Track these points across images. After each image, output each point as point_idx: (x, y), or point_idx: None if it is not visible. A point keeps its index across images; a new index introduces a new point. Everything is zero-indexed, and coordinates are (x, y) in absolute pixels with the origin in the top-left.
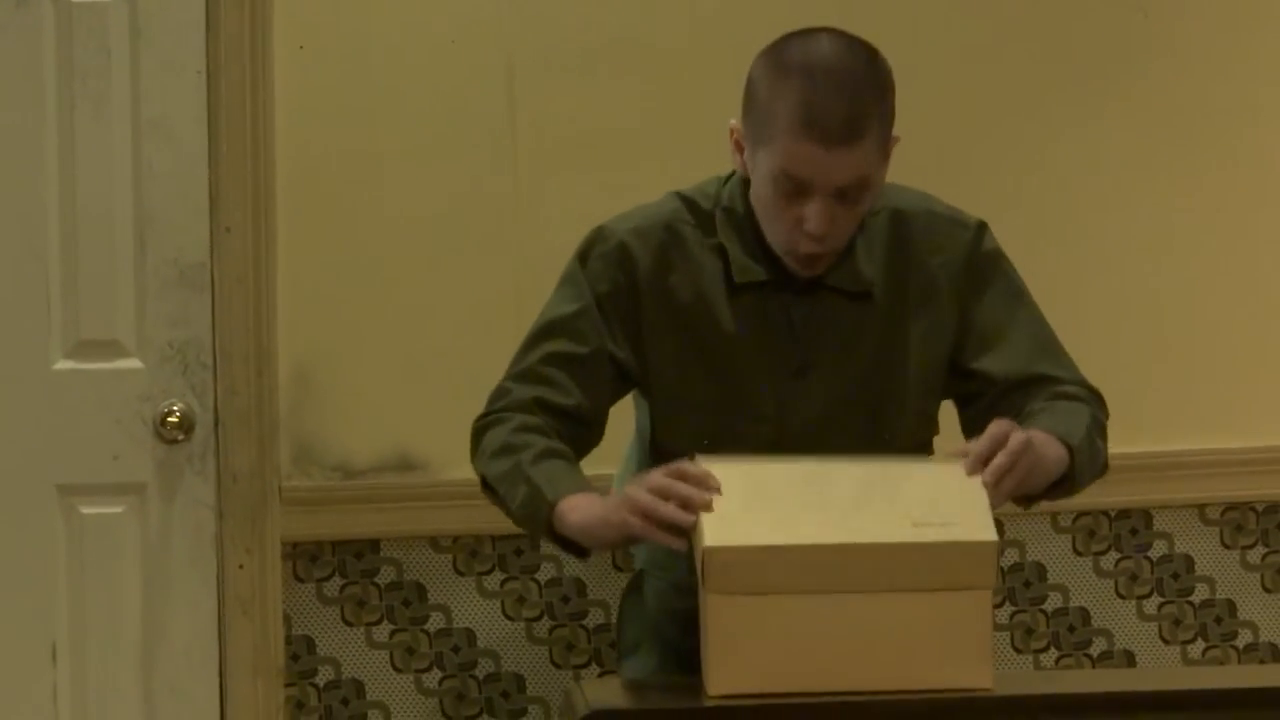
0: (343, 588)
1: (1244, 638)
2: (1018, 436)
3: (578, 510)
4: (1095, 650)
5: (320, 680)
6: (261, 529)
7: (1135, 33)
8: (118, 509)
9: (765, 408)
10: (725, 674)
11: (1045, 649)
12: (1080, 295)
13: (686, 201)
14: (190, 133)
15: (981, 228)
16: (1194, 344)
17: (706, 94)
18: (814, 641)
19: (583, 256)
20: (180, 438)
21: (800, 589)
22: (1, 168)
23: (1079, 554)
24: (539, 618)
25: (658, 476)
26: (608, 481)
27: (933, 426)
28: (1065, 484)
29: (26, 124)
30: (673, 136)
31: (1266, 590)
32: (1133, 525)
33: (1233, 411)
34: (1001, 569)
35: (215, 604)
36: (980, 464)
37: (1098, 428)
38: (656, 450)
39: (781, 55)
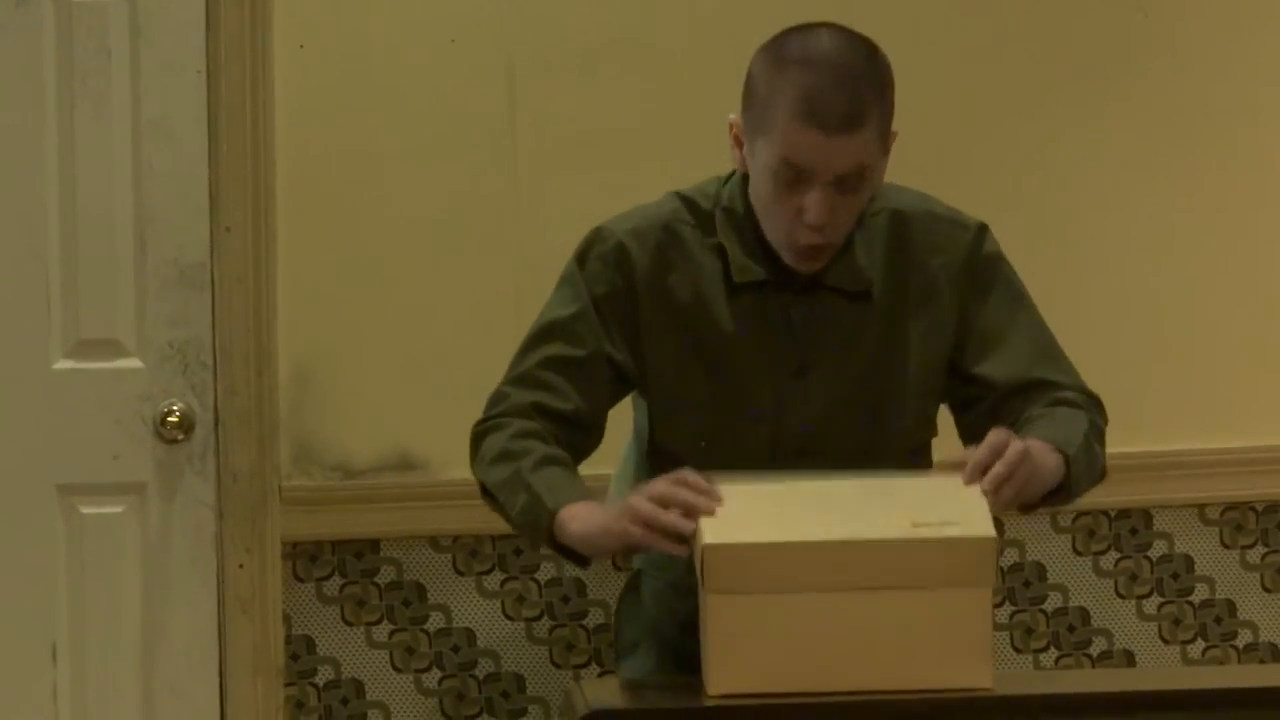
0: (342, 587)
1: (1244, 638)
2: (1015, 446)
3: (578, 519)
4: (1095, 650)
5: (320, 680)
6: (261, 529)
7: (1135, 33)
8: (118, 509)
9: (764, 407)
10: (725, 674)
11: (1045, 649)
12: (1080, 295)
13: (686, 201)
14: (190, 133)
15: (982, 230)
16: (1194, 344)
17: (706, 94)
18: (814, 641)
19: (581, 258)
20: (180, 437)
21: (800, 587)
22: (1, 168)
23: (1079, 554)
24: (539, 617)
25: (659, 485)
26: (605, 481)
27: (931, 428)
28: (1061, 493)
29: (26, 124)
30: (673, 136)
31: (1266, 590)
32: (1133, 525)
33: (1233, 411)
34: (1001, 569)
35: (215, 604)
36: (978, 472)
37: (1095, 434)
38: (654, 450)
39: (781, 49)
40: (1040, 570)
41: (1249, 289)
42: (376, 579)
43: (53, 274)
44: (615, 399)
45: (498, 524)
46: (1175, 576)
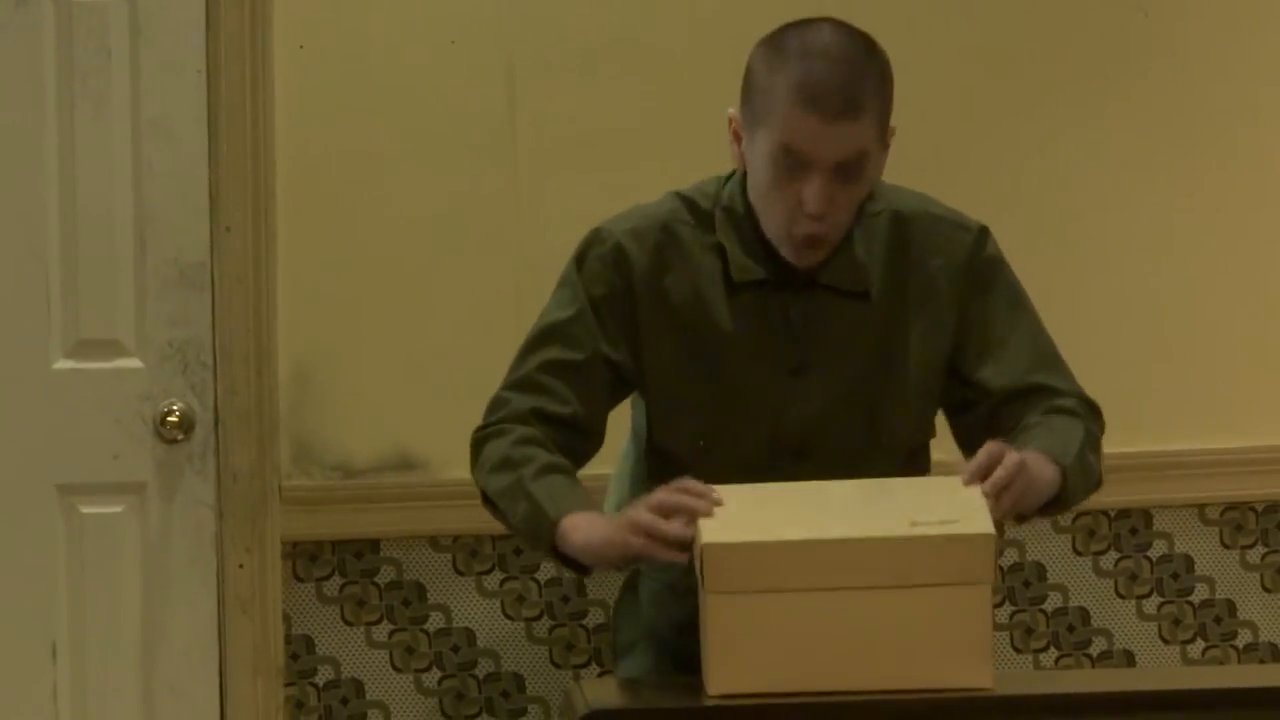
0: (342, 587)
1: (1244, 637)
2: (1012, 457)
3: (580, 529)
4: (1095, 650)
5: (320, 680)
6: (261, 529)
7: (1135, 33)
8: (118, 509)
9: (763, 406)
10: (725, 673)
11: (1045, 649)
12: (1080, 295)
13: (685, 201)
14: (190, 132)
15: (983, 233)
16: (1194, 344)
17: (706, 94)
18: (814, 640)
19: (579, 259)
20: (180, 437)
21: (799, 586)
22: (1, 168)
23: (1079, 554)
24: (539, 617)
25: (659, 494)
26: (604, 482)
27: (929, 429)
28: (1057, 504)
29: (26, 124)
30: (673, 136)
31: (1266, 590)
32: (1133, 525)
33: (1233, 411)
34: (1001, 569)
35: (215, 604)
36: (979, 476)
37: (1091, 444)
38: (653, 450)
39: (781, 41)
40: (1040, 570)
41: (1249, 289)
42: (376, 579)
43: (53, 274)
44: (615, 401)
45: (497, 524)
46: (1175, 576)
